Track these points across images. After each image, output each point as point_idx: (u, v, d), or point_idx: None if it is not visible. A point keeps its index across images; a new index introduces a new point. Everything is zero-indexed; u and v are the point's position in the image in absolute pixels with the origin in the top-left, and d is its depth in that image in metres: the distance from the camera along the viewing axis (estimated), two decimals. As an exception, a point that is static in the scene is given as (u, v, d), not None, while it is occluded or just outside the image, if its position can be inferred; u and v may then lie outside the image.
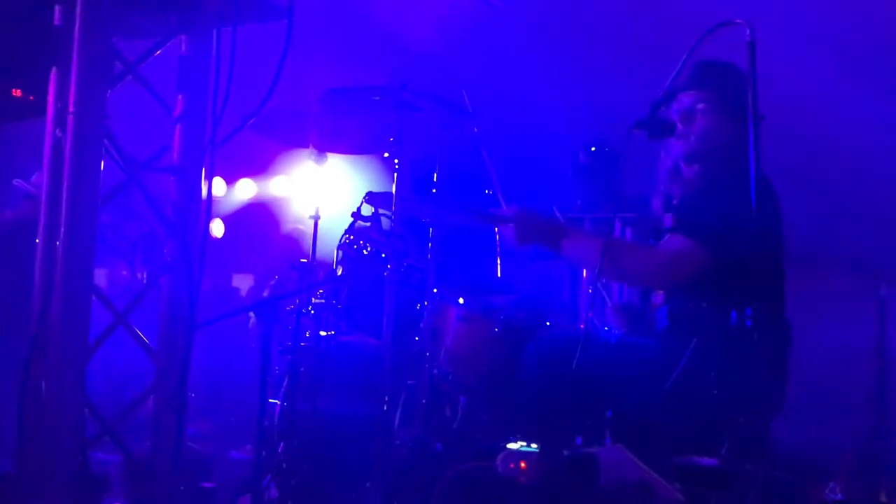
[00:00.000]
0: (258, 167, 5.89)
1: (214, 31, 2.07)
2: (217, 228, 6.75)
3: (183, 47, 2.11)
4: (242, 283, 7.06)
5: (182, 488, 3.41)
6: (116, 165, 2.00)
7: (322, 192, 3.60)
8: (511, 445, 2.56)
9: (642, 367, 2.62)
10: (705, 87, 2.74)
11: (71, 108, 1.85)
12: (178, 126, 2.10)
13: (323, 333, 3.59)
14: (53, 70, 1.97)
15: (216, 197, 6.53)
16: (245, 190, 6.49)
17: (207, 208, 2.02)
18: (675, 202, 2.82)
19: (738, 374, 2.45)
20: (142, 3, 2.00)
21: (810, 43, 3.71)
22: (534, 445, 2.51)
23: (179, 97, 2.10)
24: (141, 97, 2.07)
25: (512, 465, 2.22)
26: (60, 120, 1.90)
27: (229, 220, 6.66)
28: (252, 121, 2.04)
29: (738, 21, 2.36)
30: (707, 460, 2.46)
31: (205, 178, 2.05)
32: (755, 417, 2.19)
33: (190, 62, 2.10)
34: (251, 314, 4.76)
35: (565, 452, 2.24)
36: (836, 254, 4.57)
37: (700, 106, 2.73)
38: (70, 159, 1.84)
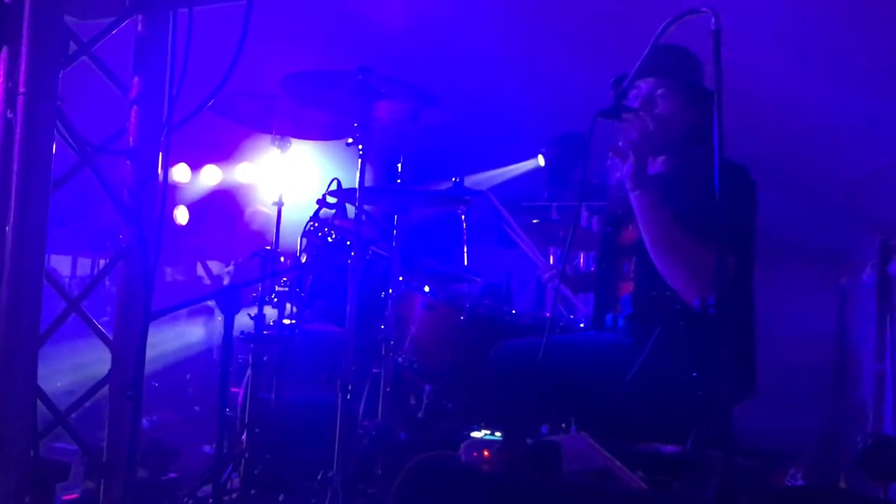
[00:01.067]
0: (223, 153, 5.81)
1: (171, 12, 2.01)
2: (181, 216, 6.67)
3: (139, 27, 2.06)
4: (211, 270, 6.97)
5: (143, 478, 3.38)
6: (70, 148, 1.94)
7: (286, 179, 3.55)
8: (475, 434, 2.55)
9: (607, 355, 2.62)
10: (663, 72, 2.71)
11: (21, 89, 1.79)
12: (135, 108, 2.04)
13: (287, 322, 3.56)
14: (3, 49, 1.91)
15: (181, 184, 6.46)
16: (210, 176, 6.40)
17: (164, 192, 1.98)
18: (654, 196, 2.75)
19: (701, 361, 2.46)
20: (96, -18, 1.95)
21: (771, 34, 3.72)
22: (497, 434, 2.51)
23: (136, 79, 2.04)
24: (95, 78, 2.01)
25: (475, 454, 2.21)
26: (11, 101, 1.84)
27: (195, 208, 6.57)
28: (210, 103, 1.99)
29: (703, 10, 2.34)
30: (670, 448, 2.47)
31: (161, 161, 2.00)
32: (719, 405, 2.19)
33: (147, 43, 2.04)
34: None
35: (528, 440, 2.23)
36: (798, 243, 4.61)
37: (660, 91, 2.72)
38: (20, 141, 1.79)
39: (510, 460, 2.18)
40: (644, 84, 2.73)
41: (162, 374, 5.73)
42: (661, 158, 2.78)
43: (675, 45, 2.69)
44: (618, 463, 2.20)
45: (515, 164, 4.86)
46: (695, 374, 2.47)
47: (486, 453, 2.20)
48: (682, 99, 2.71)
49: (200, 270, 6.86)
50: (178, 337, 5.45)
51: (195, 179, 6.47)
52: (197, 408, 5.67)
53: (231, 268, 3.57)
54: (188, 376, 5.94)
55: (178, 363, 5.92)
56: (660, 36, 2.42)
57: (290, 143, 3.43)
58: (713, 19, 2.31)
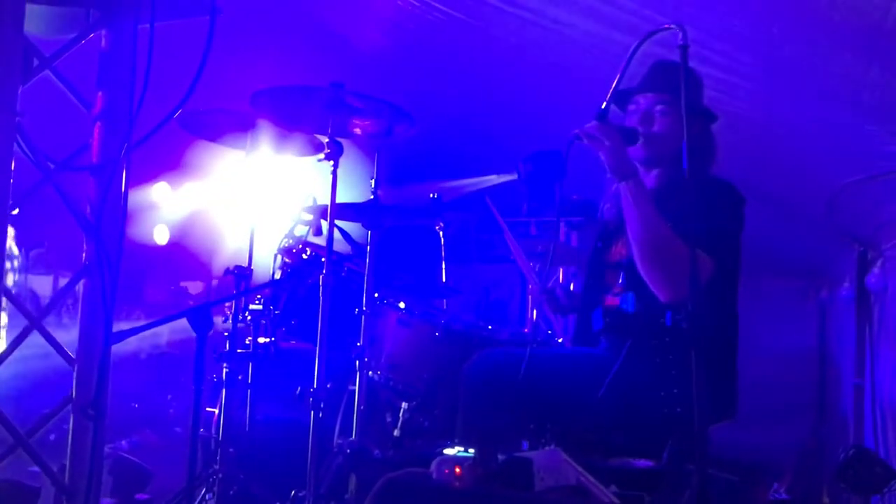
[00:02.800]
0: (198, 172, 5.79)
1: (136, 27, 2.00)
2: (161, 235, 6.63)
3: (103, 43, 2.04)
4: (191, 289, 6.94)
5: (114, 498, 3.33)
6: (30, 164, 1.92)
7: (260, 196, 3.53)
8: (448, 451, 2.53)
9: (581, 371, 2.61)
10: (663, 88, 2.70)
11: (-21, 104, 1.77)
12: (98, 124, 2.02)
13: (262, 340, 3.52)
14: (-37, 65, 1.89)
15: (161, 203, 6.43)
16: (189, 196, 6.37)
17: (124, 208, 1.96)
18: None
19: (672, 375, 2.45)
20: (57, -2, 1.93)
21: (744, 48, 3.74)
22: (470, 451, 2.48)
23: (99, 94, 2.03)
24: (54, 94, 2.00)
25: (447, 471, 2.18)
26: (-31, 117, 1.82)
27: (175, 227, 6.55)
28: (175, 115, 1.97)
29: (670, 26, 2.35)
30: (643, 462, 2.46)
31: (124, 177, 1.98)
32: (693, 419, 2.18)
33: (111, 58, 2.03)
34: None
35: (500, 457, 2.20)
36: (777, 258, 4.62)
37: (658, 108, 2.71)
38: (-22, 158, 1.77)
39: (482, 477, 2.15)
40: (643, 99, 2.74)
41: (143, 396, 5.68)
42: (653, 174, 2.78)
43: (677, 62, 2.70)
44: (591, 478, 2.19)
45: (490, 176, 4.86)
46: (675, 391, 2.46)
47: (457, 470, 2.17)
48: (681, 116, 2.69)
49: (192, 288, 6.83)
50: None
51: (174, 198, 6.45)
52: (178, 429, 5.62)
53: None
54: (169, 397, 5.89)
55: (160, 384, 5.87)
56: (633, 54, 2.43)
57: (265, 160, 3.41)
58: (680, 34, 2.32)
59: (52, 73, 2.00)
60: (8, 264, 2.46)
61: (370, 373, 3.13)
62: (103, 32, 2.04)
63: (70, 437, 1.96)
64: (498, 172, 4.75)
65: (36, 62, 1.97)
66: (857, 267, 4.74)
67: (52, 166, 1.96)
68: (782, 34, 3.35)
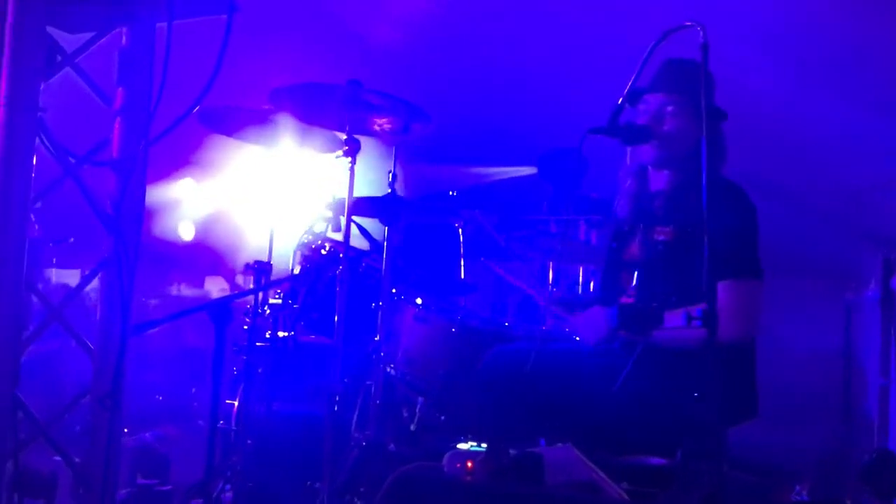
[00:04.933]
0: (218, 168, 5.84)
1: (156, 24, 2.04)
2: (186, 231, 6.70)
3: (124, 40, 2.08)
4: (213, 286, 7.01)
5: (134, 488, 3.38)
6: (52, 159, 1.96)
7: (281, 192, 3.57)
8: (461, 446, 2.55)
9: (594, 369, 2.61)
10: (674, 88, 2.69)
11: (2, 101, 1.81)
12: (119, 119, 2.06)
13: (281, 334, 3.56)
14: (-11, 61, 1.93)
15: (186, 200, 6.50)
16: (213, 192, 6.43)
17: (143, 202, 1.99)
18: (659, 212, 2.73)
19: (688, 375, 2.44)
20: (79, -4, 1.97)
21: (773, 49, 3.72)
22: (483, 445, 2.50)
23: (119, 90, 2.06)
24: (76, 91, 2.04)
25: (458, 465, 2.20)
26: (-6, 112, 1.86)
27: (199, 224, 6.61)
28: (194, 110, 1.99)
29: (689, 23, 2.34)
30: (656, 460, 2.46)
31: (143, 172, 2.01)
32: (707, 419, 2.18)
33: (131, 55, 2.07)
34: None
35: (511, 452, 2.22)
36: (802, 259, 4.59)
37: (669, 108, 2.70)
38: (1, 152, 1.81)
39: (493, 471, 2.17)
40: (653, 99, 2.73)
41: (167, 389, 5.75)
42: (665, 173, 2.77)
43: (688, 59, 2.68)
44: (602, 474, 2.19)
45: (509, 167, 4.86)
46: (690, 391, 2.45)
47: (469, 464, 2.19)
48: (691, 116, 2.67)
49: (208, 285, 6.89)
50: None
51: (199, 195, 6.51)
52: (200, 422, 5.68)
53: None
54: (193, 390, 5.96)
55: (184, 378, 5.94)
56: (651, 52, 2.42)
57: (285, 156, 3.45)
58: (701, 33, 2.31)
59: (73, 70, 2.04)
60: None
61: (387, 368, 3.15)
62: (124, 30, 2.08)
63: (88, 426, 2.00)
64: (517, 165, 4.75)
65: (58, 58, 2.01)
66: (883, 268, 4.69)
67: (72, 161, 2.00)
68: (813, 34, 3.33)
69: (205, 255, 6.69)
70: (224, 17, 2.01)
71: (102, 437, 1.91)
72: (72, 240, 6.11)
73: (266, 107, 3.19)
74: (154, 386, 5.66)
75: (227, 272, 6.72)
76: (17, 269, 1.82)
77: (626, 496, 2.16)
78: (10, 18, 1.83)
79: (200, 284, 6.90)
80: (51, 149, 1.93)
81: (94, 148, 2.05)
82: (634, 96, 2.75)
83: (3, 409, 1.81)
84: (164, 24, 1.90)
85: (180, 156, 5.60)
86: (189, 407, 5.87)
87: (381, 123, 3.04)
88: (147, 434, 5.28)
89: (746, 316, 2.50)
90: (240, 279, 6.56)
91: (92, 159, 2.04)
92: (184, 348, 6.24)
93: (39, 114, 1.87)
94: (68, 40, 2.08)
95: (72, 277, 6.43)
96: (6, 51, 1.82)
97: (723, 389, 2.03)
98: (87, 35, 2.10)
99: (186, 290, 6.88)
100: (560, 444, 2.56)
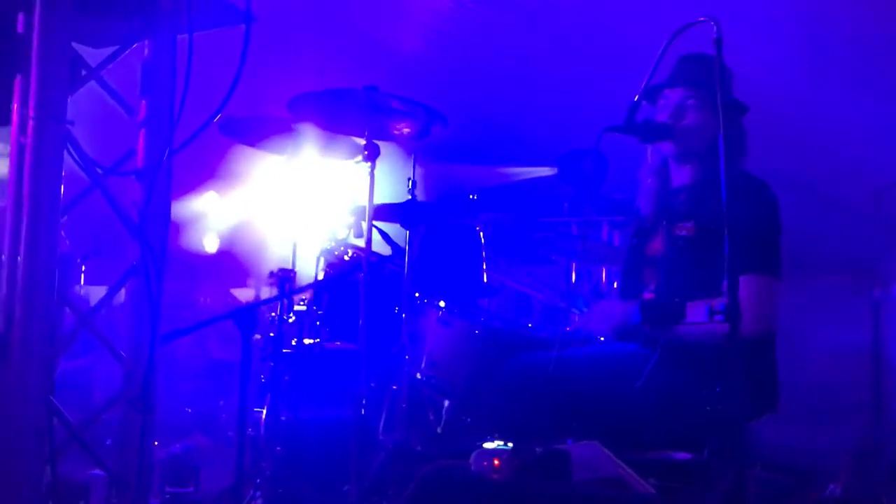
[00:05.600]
0: (241, 179, 5.91)
1: (177, 36, 2.08)
2: (210, 244, 6.78)
3: (146, 52, 2.13)
4: (241, 296, 7.08)
5: (165, 497, 3.42)
6: (80, 170, 2.01)
7: (303, 199, 3.61)
8: (487, 444, 2.56)
9: (616, 371, 2.61)
10: (693, 82, 2.70)
11: (31, 114, 1.86)
12: (143, 130, 2.11)
13: (307, 341, 3.59)
14: (18, 77, 1.99)
15: (210, 212, 6.58)
16: (237, 203, 6.50)
17: (168, 211, 2.03)
18: (681, 208, 2.74)
19: (711, 370, 2.44)
20: (103, 10, 2.02)
21: (793, 44, 3.71)
22: (509, 444, 2.51)
23: (143, 102, 2.11)
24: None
25: (485, 463, 2.21)
26: (23, 126, 1.91)
27: (223, 235, 6.69)
28: (215, 119, 2.03)
29: (703, 19, 2.35)
30: (682, 455, 2.46)
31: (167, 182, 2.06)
32: (730, 414, 2.18)
33: (153, 67, 2.11)
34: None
35: (538, 449, 2.23)
36: (828, 256, 4.55)
37: (690, 102, 2.70)
38: (30, 165, 1.85)
39: (520, 469, 2.18)
40: (673, 94, 2.73)
41: (194, 400, 5.81)
42: (686, 169, 2.77)
43: (705, 54, 2.68)
44: (629, 470, 2.19)
45: (529, 167, 4.87)
46: (714, 386, 2.45)
47: (496, 462, 2.20)
48: (711, 110, 2.67)
49: (240, 294, 6.96)
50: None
51: (223, 207, 6.59)
52: (229, 433, 5.73)
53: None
54: (221, 402, 6.02)
55: (212, 389, 6.00)
56: (666, 49, 2.43)
57: (305, 164, 3.49)
58: (714, 28, 2.32)
59: (97, 83, 2.08)
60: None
61: (412, 371, 3.17)
62: (146, 42, 2.12)
63: (120, 432, 2.04)
64: (536, 165, 4.77)
65: (83, 72, 2.06)
66: (911, 265, 4.64)
67: (100, 172, 2.04)
68: (834, 28, 3.32)
69: (230, 266, 6.76)
70: (242, 27, 2.05)
71: (135, 442, 1.95)
72: (101, 257, 6.19)
73: (286, 115, 3.24)
74: (182, 398, 5.73)
75: (252, 282, 6.78)
76: (49, 280, 1.86)
77: (653, 491, 2.16)
78: (36, 35, 1.88)
79: (226, 296, 6.97)
80: (79, 161, 1.97)
81: (120, 159, 2.10)
82: (653, 93, 2.75)
83: (40, 416, 1.85)
84: (185, 36, 1.94)
85: (204, 168, 5.67)
86: (217, 418, 5.93)
87: (400, 128, 3.07)
88: (177, 445, 5.35)
89: (762, 311, 2.49)
90: (265, 291, 6.63)
91: (118, 170, 2.08)
92: (210, 360, 6.31)
93: (67, 127, 1.91)
94: (91, 54, 2.12)
95: (101, 294, 6.50)
96: (34, 66, 1.87)
97: (744, 383, 2.02)
98: (110, 49, 2.15)
99: (213, 301, 6.95)
100: (586, 441, 2.57)
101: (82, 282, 6.10)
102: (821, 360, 4.84)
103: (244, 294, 7.01)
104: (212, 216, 6.64)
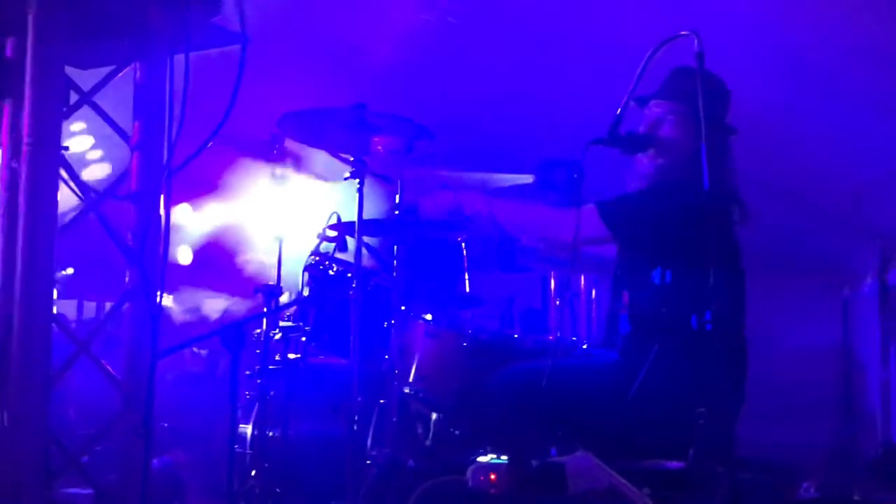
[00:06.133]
0: (223, 191, 5.88)
1: (169, 58, 2.08)
2: (184, 256, 6.72)
3: (138, 75, 2.12)
4: (214, 307, 7.02)
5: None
6: (74, 194, 2.00)
7: (287, 215, 3.61)
8: (481, 458, 2.58)
9: (607, 376, 2.65)
10: (679, 97, 2.69)
11: (26, 140, 1.85)
12: (136, 154, 2.10)
13: (292, 356, 3.59)
14: (7, 102, 1.98)
15: (182, 224, 6.52)
16: (212, 215, 6.45)
17: (166, 234, 2.03)
18: None
19: (699, 377, 2.49)
20: (94, 32, 2.01)
21: (769, 48, 3.78)
22: (504, 458, 2.53)
23: (136, 124, 2.10)
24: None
25: (482, 478, 2.24)
26: (16, 151, 1.90)
27: (198, 247, 6.63)
28: (209, 145, 2.04)
29: (685, 33, 2.39)
30: (674, 463, 2.50)
31: (163, 203, 2.05)
32: (719, 420, 2.22)
33: (145, 89, 2.11)
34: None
35: (533, 462, 2.25)
36: (800, 255, 4.64)
37: (670, 116, 2.71)
38: (26, 190, 1.84)
39: (516, 482, 2.20)
40: (657, 107, 2.75)
41: (171, 416, 5.76)
42: (647, 174, 2.80)
43: (695, 68, 2.70)
44: (623, 480, 2.23)
45: (507, 174, 4.91)
46: (700, 391, 2.49)
47: (492, 477, 2.22)
48: (691, 127, 2.64)
49: (206, 308, 6.90)
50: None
51: (197, 218, 6.53)
52: (210, 447, 5.67)
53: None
54: (199, 418, 5.96)
55: (188, 403, 5.95)
56: (648, 62, 2.47)
57: (289, 180, 3.49)
58: (696, 41, 2.36)
59: (91, 108, 2.07)
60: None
61: (400, 385, 3.18)
62: (138, 64, 2.12)
63: (121, 457, 2.02)
64: (515, 173, 4.81)
65: (75, 97, 2.05)
66: (879, 263, 4.75)
67: (93, 196, 2.03)
68: (805, 38, 3.39)
69: (205, 279, 6.70)
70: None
71: (138, 465, 1.94)
72: (71, 271, 6.12)
73: (274, 132, 3.24)
74: (158, 413, 5.66)
75: (230, 295, 6.72)
76: (46, 304, 1.85)
77: (648, 501, 2.20)
78: (29, 59, 1.87)
79: (201, 307, 6.91)
80: (73, 185, 1.96)
81: (114, 182, 2.09)
82: (643, 101, 2.77)
83: (37, 442, 1.84)
84: (181, 57, 1.93)
85: (180, 179, 5.62)
86: (195, 433, 5.88)
87: (385, 144, 3.09)
88: (155, 461, 5.29)
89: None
90: (242, 304, 6.58)
91: (112, 193, 2.07)
92: (185, 374, 6.25)
93: (61, 152, 1.90)
94: (84, 77, 2.11)
95: (68, 308, 6.43)
96: (28, 92, 1.86)
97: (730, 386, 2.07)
98: (103, 71, 2.14)
99: (185, 315, 6.89)
100: (578, 453, 2.60)
101: (55, 295, 6.01)
102: (792, 359, 4.93)
103: (218, 306, 6.96)
104: (186, 228, 6.58)
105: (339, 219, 3.56)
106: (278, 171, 3.44)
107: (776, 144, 4.08)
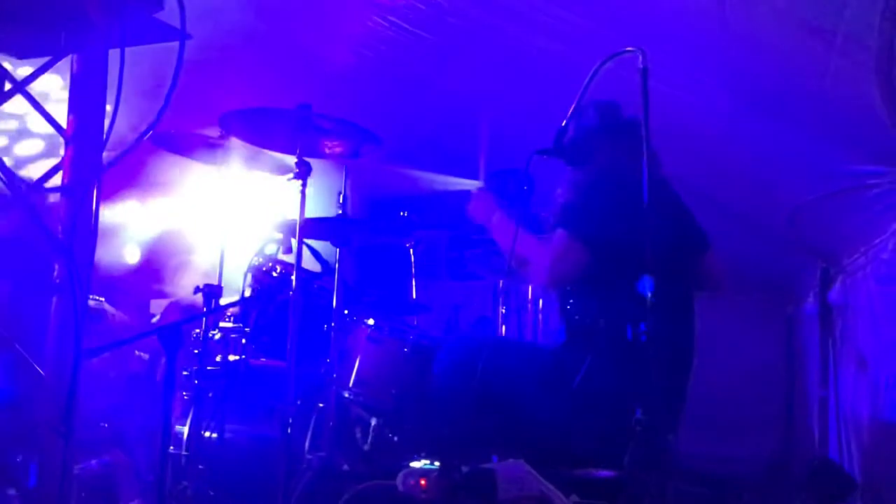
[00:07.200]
0: (167, 190, 5.80)
1: (105, 52, 2.05)
2: (131, 255, 6.61)
3: (74, 67, 2.09)
4: (160, 308, 6.91)
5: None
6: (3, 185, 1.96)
7: (230, 215, 3.57)
8: (413, 464, 2.58)
9: (544, 379, 2.67)
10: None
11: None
12: (70, 146, 2.06)
13: (232, 358, 3.55)
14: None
15: (130, 221, 6.42)
16: (159, 214, 6.36)
17: (95, 228, 1.99)
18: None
19: (633, 388, 2.51)
20: (28, 22, 1.97)
21: (707, 68, 3.84)
22: (435, 463, 2.53)
23: (70, 117, 2.07)
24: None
25: (412, 483, 2.23)
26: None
27: (145, 246, 6.53)
28: (146, 137, 2.01)
29: (630, 49, 2.45)
30: (605, 472, 2.52)
31: (95, 198, 2.02)
32: (653, 430, 2.25)
33: (81, 82, 2.07)
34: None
35: (464, 468, 2.26)
36: (744, 274, 4.71)
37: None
38: (-50, 179, 1.80)
39: (446, 488, 2.21)
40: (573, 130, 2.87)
41: (111, 416, 5.65)
42: (565, 185, 2.90)
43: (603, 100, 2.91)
44: (552, 487, 2.24)
45: (456, 178, 4.94)
46: (635, 400, 2.52)
47: (422, 482, 2.22)
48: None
49: (153, 308, 6.80)
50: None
51: (143, 217, 6.44)
52: (148, 448, 5.58)
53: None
54: (138, 416, 5.86)
55: (128, 403, 5.85)
56: (592, 77, 2.53)
57: (232, 178, 3.45)
58: (640, 58, 2.42)
59: (24, 97, 2.03)
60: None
61: (340, 389, 3.17)
62: (74, 57, 2.08)
63: (40, 454, 1.98)
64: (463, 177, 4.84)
65: (8, 86, 2.01)
66: (820, 282, 4.83)
67: (23, 188, 1.99)
68: (741, 54, 3.45)
69: (151, 278, 6.60)
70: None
71: (56, 464, 1.89)
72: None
73: (217, 131, 3.21)
74: (97, 412, 5.56)
75: (173, 295, 6.64)
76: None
77: (576, 509, 2.22)
78: (-41, 46, 1.83)
79: (147, 307, 6.80)
80: (3, 176, 1.92)
81: (45, 174, 2.05)
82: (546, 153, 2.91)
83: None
84: (116, 50, 1.91)
85: (125, 176, 5.53)
86: (134, 433, 5.78)
87: (332, 147, 3.08)
88: (93, 462, 5.19)
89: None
90: (188, 302, 6.49)
91: (43, 186, 2.03)
92: (126, 374, 6.14)
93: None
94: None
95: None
96: (-44, 78, 1.82)
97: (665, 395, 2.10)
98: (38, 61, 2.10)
99: (131, 315, 6.78)
100: (510, 460, 2.61)
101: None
102: (736, 376, 5.01)
103: (163, 306, 6.86)
104: (132, 226, 6.48)
105: (284, 219, 3.53)
106: (223, 168, 3.40)
107: (715, 162, 4.15)
